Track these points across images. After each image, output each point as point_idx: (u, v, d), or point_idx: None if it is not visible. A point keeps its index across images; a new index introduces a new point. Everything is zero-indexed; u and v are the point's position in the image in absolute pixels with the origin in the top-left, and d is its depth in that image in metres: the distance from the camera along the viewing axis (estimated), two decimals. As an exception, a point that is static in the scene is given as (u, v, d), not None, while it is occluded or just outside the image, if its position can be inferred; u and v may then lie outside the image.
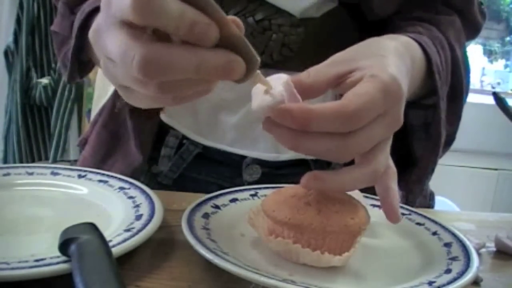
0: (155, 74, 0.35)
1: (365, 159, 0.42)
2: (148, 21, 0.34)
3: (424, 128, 0.64)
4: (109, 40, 0.38)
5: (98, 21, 0.40)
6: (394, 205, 0.45)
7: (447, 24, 0.66)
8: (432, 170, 0.66)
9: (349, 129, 0.39)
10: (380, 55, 0.46)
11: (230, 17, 0.36)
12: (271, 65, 0.67)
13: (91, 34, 0.41)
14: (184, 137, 0.71)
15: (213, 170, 0.72)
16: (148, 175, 0.73)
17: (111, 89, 0.78)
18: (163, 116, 0.71)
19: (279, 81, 0.41)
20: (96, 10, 0.57)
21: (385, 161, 0.44)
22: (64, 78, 0.68)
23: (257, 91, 0.41)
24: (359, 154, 0.42)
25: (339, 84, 0.44)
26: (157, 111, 0.71)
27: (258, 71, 0.38)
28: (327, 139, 0.40)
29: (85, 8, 0.59)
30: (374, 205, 0.58)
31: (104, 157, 0.73)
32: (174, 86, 0.37)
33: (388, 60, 0.45)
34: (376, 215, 0.50)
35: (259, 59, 0.37)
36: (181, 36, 0.35)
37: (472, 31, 0.73)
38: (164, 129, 0.72)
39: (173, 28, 0.34)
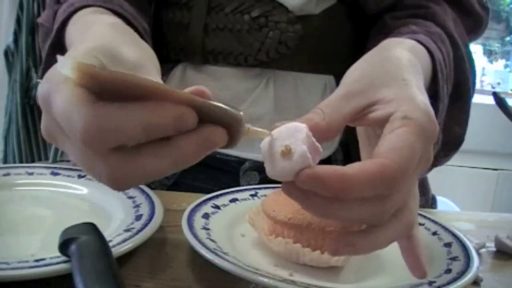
0: (126, 185, 0.32)
1: (398, 212, 0.36)
2: (107, 146, 0.30)
3: None
4: (66, 147, 0.34)
5: (44, 123, 0.35)
6: (420, 257, 0.38)
7: (442, 14, 0.62)
8: None
9: (391, 192, 0.34)
10: (401, 80, 0.40)
11: (192, 89, 0.32)
12: (267, 63, 0.66)
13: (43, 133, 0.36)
14: None
15: (210, 177, 0.70)
16: None
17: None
18: None
19: (296, 134, 0.33)
20: (86, 7, 0.54)
21: (417, 208, 0.38)
22: (39, 73, 0.66)
23: (271, 151, 0.33)
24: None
25: (357, 120, 0.39)
26: None
27: (248, 125, 0.33)
28: (364, 206, 0.33)
29: (75, 2, 0.55)
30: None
31: None
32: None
33: (412, 86, 0.39)
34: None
35: (241, 114, 0.32)
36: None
37: (474, 25, 0.68)
38: None
39: (144, 139, 0.30)
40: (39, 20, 0.67)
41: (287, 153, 0.32)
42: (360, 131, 0.43)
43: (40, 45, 0.68)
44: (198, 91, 0.32)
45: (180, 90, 0.30)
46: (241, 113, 0.32)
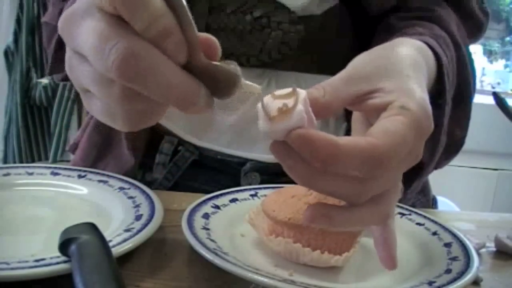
0: (131, 74, 0.30)
1: (378, 197, 0.36)
2: (122, 8, 0.30)
3: None
4: (84, 28, 0.32)
5: (74, 6, 0.34)
6: (392, 249, 0.39)
7: (447, 19, 0.63)
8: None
9: (375, 175, 0.34)
10: (405, 76, 0.40)
11: (203, 35, 0.33)
12: (269, 64, 0.66)
13: (61, 21, 0.35)
14: (179, 143, 0.70)
15: (210, 179, 0.70)
16: (142, 183, 0.71)
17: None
18: None
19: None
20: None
21: (396, 200, 0.39)
22: (46, 70, 0.65)
23: (267, 108, 0.33)
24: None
25: (356, 103, 0.39)
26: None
27: (242, 81, 0.34)
28: (346, 182, 0.34)
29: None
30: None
31: (95, 160, 0.72)
32: (136, 99, 0.32)
33: (415, 83, 0.40)
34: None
35: (239, 73, 0.33)
36: (149, 38, 0.30)
37: (474, 29, 0.70)
38: (158, 136, 0.70)
39: (143, 25, 0.30)
40: (44, 19, 0.67)
41: (284, 110, 0.32)
42: (355, 117, 0.43)
43: (45, 44, 0.68)
44: (208, 41, 0.33)
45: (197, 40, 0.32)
46: (238, 69, 0.33)
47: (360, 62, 0.41)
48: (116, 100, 0.32)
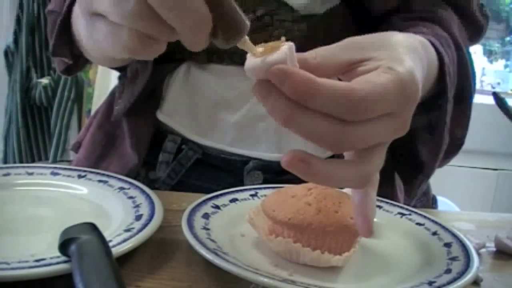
0: None
1: (360, 158, 0.37)
2: None
3: (428, 130, 0.61)
4: None
5: None
6: (369, 217, 0.40)
7: (449, 20, 0.64)
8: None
9: (352, 118, 0.34)
10: (398, 51, 0.41)
11: None
12: None
13: None
14: (182, 142, 0.70)
15: (213, 177, 0.70)
16: (145, 181, 0.71)
17: (109, 88, 0.78)
18: (160, 116, 0.70)
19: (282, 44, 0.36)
20: None
21: (380, 167, 0.39)
22: (50, 48, 0.65)
23: (254, 49, 0.36)
24: (354, 149, 0.37)
25: (347, 72, 0.40)
26: (153, 109, 0.71)
27: (246, 37, 0.36)
28: (325, 122, 0.34)
29: None
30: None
31: (98, 159, 0.72)
32: (149, 18, 0.34)
33: (407, 57, 0.40)
34: (376, 215, 0.50)
35: (248, 24, 0.36)
36: None
37: (474, 32, 0.70)
38: (162, 134, 0.71)
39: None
40: (48, 8, 0.67)
41: (268, 50, 0.35)
42: None
43: (48, 35, 0.68)
44: None
45: None
46: (248, 23, 0.36)
47: (359, 36, 0.42)
48: (129, 16, 0.34)
